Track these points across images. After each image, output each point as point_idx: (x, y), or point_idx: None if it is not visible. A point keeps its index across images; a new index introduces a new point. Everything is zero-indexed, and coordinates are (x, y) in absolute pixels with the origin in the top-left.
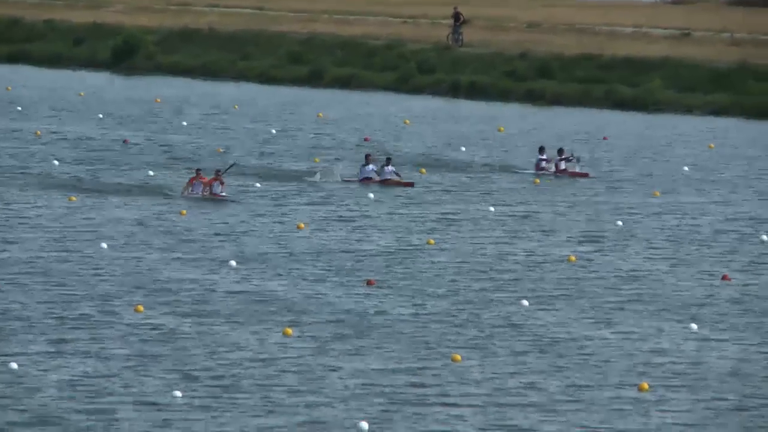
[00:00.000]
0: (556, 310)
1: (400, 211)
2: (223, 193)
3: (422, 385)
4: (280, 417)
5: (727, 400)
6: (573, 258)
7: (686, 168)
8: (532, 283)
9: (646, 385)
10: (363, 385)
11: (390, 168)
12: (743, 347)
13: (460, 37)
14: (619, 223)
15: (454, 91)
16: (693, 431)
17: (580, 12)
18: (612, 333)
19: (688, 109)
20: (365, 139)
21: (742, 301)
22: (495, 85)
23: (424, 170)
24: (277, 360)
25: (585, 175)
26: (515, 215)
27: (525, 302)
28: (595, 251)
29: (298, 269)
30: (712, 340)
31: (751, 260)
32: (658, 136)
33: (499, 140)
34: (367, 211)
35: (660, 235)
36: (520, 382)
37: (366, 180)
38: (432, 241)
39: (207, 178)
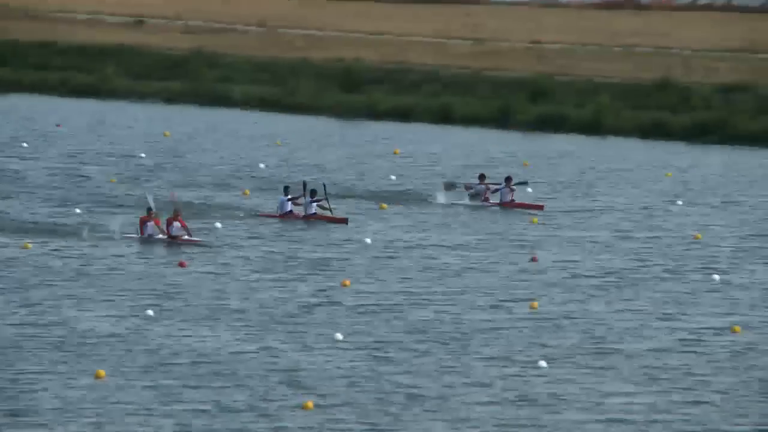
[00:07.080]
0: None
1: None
2: (185, 236)
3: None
4: None
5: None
6: (184, 264)
7: (143, 155)
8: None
9: (102, 372)
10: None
11: (315, 201)
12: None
13: None
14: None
15: None
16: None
17: None
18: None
19: (142, 96)
20: None
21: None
22: None
23: None
24: None
25: (540, 207)
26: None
27: (147, 311)
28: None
29: None
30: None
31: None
32: (113, 124)
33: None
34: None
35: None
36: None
37: (287, 215)
38: (28, 245)
39: (158, 220)
